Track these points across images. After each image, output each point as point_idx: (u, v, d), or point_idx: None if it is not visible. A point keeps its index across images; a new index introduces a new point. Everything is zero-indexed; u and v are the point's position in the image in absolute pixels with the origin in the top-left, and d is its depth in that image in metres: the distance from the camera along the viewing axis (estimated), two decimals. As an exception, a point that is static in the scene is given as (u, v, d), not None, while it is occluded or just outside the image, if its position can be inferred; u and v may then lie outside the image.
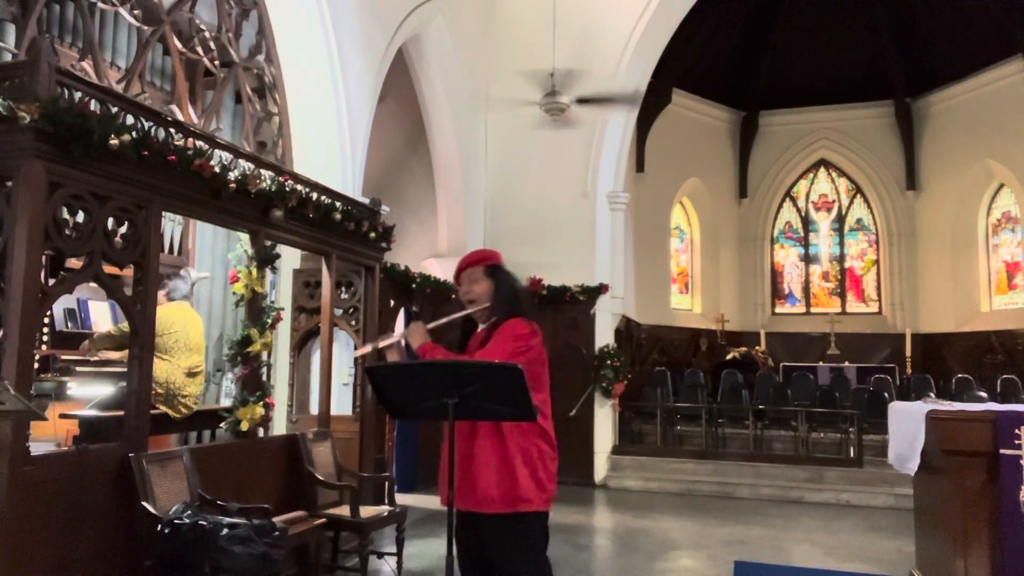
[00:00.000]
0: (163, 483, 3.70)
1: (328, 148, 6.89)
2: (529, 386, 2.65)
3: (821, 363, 13.14)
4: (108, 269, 3.62)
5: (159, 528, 3.40)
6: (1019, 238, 13.05)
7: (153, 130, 3.73)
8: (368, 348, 3.21)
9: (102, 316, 5.67)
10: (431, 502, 7.65)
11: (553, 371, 3.09)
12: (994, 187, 13.41)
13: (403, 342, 2.90)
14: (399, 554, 4.99)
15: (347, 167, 7.00)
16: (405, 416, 2.96)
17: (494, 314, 2.93)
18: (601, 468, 9.42)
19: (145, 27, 5.35)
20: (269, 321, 4.79)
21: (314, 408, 5.82)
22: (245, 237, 4.66)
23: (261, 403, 4.60)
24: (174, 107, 5.69)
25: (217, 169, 4.10)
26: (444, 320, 3.03)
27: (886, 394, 9.91)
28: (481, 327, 2.99)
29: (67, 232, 3.37)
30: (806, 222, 15.53)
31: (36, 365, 4.00)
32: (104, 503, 3.49)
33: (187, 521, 3.37)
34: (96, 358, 5.02)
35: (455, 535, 2.77)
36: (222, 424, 4.69)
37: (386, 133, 9.85)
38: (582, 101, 8.37)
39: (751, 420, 9.93)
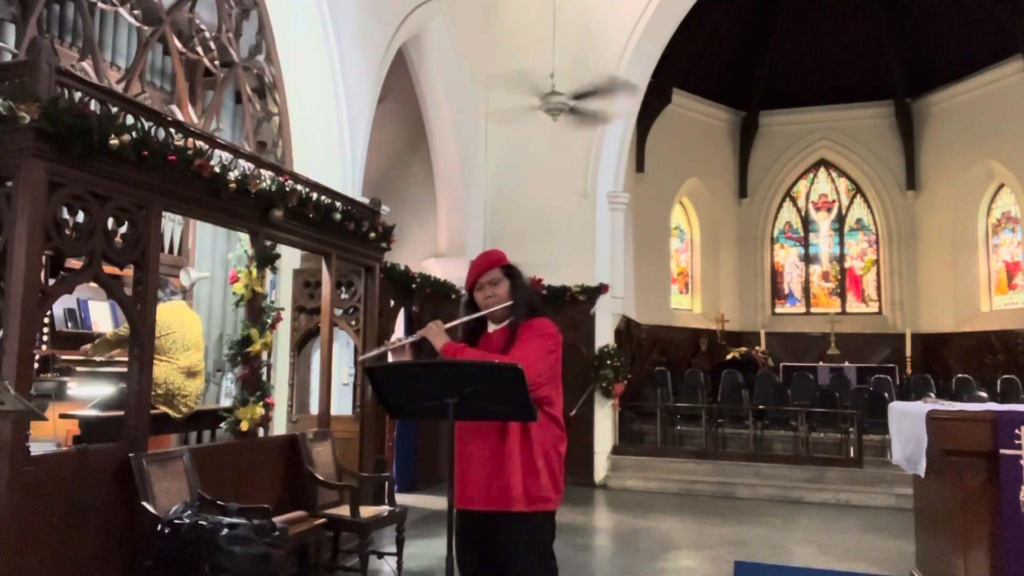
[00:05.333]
0: (163, 483, 3.70)
1: (328, 148, 6.89)
2: (550, 384, 2.78)
3: (821, 363, 13.14)
4: (108, 269, 3.62)
5: (159, 528, 3.40)
6: (1019, 238, 13.04)
7: (153, 130, 3.73)
8: (378, 351, 3.21)
9: (102, 316, 5.67)
10: (431, 502, 7.65)
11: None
12: (994, 187, 13.41)
13: (407, 345, 2.89)
14: (399, 554, 4.99)
15: (347, 167, 7.00)
16: (405, 416, 2.97)
17: (513, 314, 2.89)
18: (601, 468, 9.42)
19: (145, 27, 5.34)
20: (269, 321, 4.78)
21: (314, 408, 5.82)
22: (245, 237, 4.66)
23: (261, 403, 4.60)
24: (174, 107, 5.69)
25: (217, 169, 4.10)
26: (463, 319, 2.94)
27: (886, 394, 9.90)
28: (493, 327, 2.95)
29: (67, 232, 3.36)
30: (806, 222, 15.53)
31: (36, 365, 4.00)
32: (104, 503, 3.49)
33: (187, 521, 3.37)
34: (101, 358, 5.03)
35: (462, 535, 2.78)
36: (222, 424, 4.69)
37: (386, 133, 9.85)
38: (579, 97, 8.35)
39: (751, 420, 9.93)
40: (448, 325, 2.89)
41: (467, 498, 2.74)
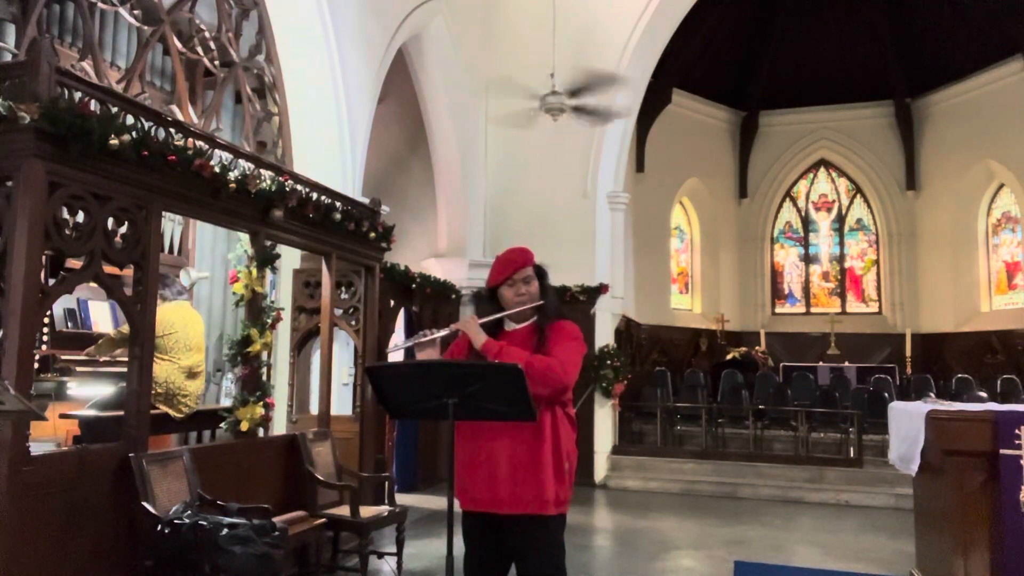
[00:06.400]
0: (163, 483, 3.70)
1: (328, 148, 6.89)
2: (571, 388, 2.77)
3: (821, 363, 13.14)
4: (108, 269, 3.62)
5: (159, 528, 3.40)
6: (1019, 238, 13.05)
7: (153, 130, 3.73)
8: (408, 343, 2.95)
9: (102, 316, 5.67)
10: (431, 502, 7.65)
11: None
12: (994, 187, 13.42)
13: (437, 339, 2.81)
14: (399, 554, 4.99)
15: (347, 167, 7.00)
16: (405, 416, 2.95)
17: (538, 314, 2.86)
18: (601, 468, 9.42)
19: (145, 27, 5.35)
20: (269, 321, 4.78)
21: (314, 408, 5.83)
22: (245, 237, 4.66)
23: (261, 403, 4.60)
24: (174, 107, 5.69)
25: (217, 169, 4.10)
26: (497, 316, 2.87)
27: (886, 394, 9.90)
28: (513, 326, 2.88)
29: (67, 232, 3.36)
30: (806, 222, 15.54)
31: (36, 365, 4.00)
32: (104, 503, 3.49)
33: (187, 521, 3.37)
34: (103, 358, 5.04)
35: (475, 536, 2.76)
36: (222, 424, 4.69)
37: (386, 133, 9.85)
38: (578, 110, 8.36)
39: (751, 420, 9.93)
40: (483, 321, 2.82)
41: (495, 501, 2.67)
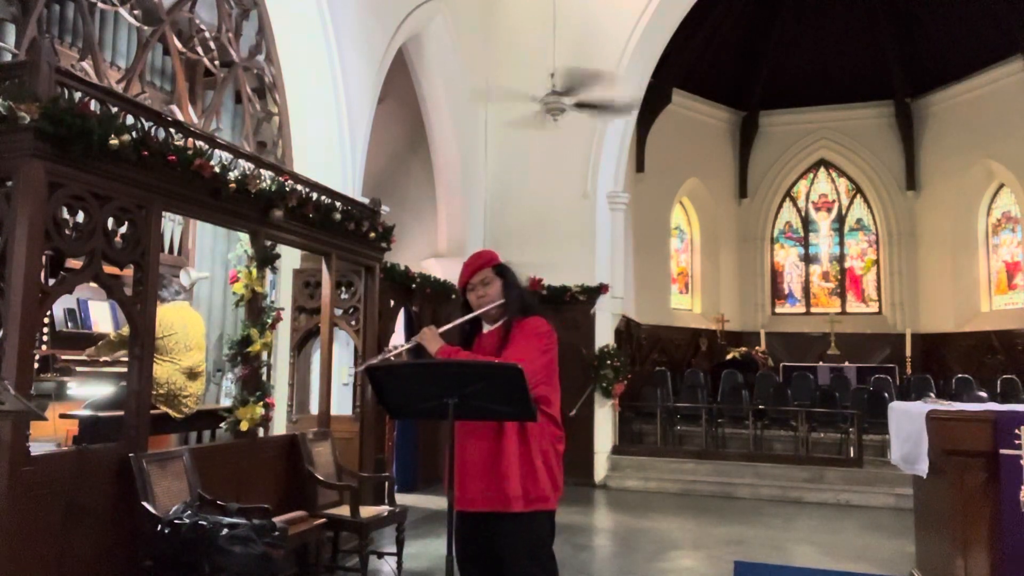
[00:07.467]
0: (163, 483, 3.70)
1: (328, 148, 6.89)
2: (547, 383, 2.78)
3: (821, 363, 13.13)
4: (108, 269, 3.62)
5: (159, 528, 3.40)
6: (1019, 238, 13.05)
7: (153, 130, 3.73)
8: (375, 360, 2.99)
9: (102, 316, 5.67)
10: (431, 502, 7.65)
11: (553, 370, 3.08)
12: (994, 187, 13.42)
13: (404, 353, 2.87)
14: (399, 554, 4.99)
15: (347, 167, 7.00)
16: (405, 416, 2.97)
17: (506, 313, 2.90)
18: (601, 468, 9.42)
19: (145, 27, 5.35)
20: (269, 321, 4.78)
21: (314, 408, 5.82)
22: (245, 237, 4.66)
23: (261, 403, 4.60)
24: (174, 107, 5.69)
25: (217, 169, 4.10)
26: (456, 322, 2.95)
27: (886, 394, 9.90)
28: (488, 328, 2.95)
29: (67, 232, 3.36)
30: (806, 222, 15.53)
31: (36, 365, 4.00)
32: (104, 503, 3.49)
33: (187, 521, 3.37)
34: (104, 358, 5.04)
35: (462, 536, 2.79)
36: (222, 424, 4.69)
37: (386, 133, 9.85)
38: (581, 106, 8.37)
39: (751, 420, 9.93)
40: (442, 329, 2.89)
41: (466, 500, 2.74)
